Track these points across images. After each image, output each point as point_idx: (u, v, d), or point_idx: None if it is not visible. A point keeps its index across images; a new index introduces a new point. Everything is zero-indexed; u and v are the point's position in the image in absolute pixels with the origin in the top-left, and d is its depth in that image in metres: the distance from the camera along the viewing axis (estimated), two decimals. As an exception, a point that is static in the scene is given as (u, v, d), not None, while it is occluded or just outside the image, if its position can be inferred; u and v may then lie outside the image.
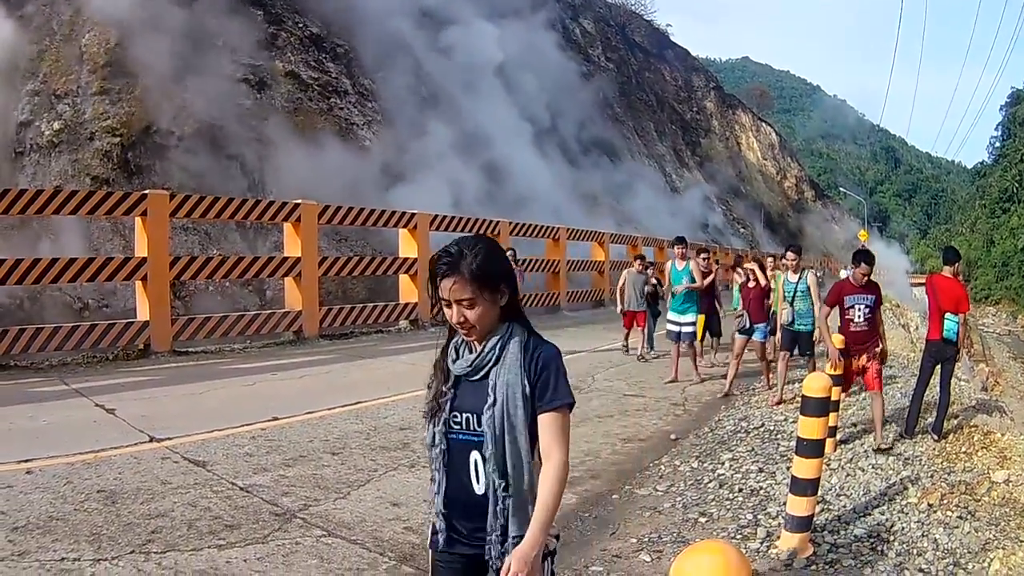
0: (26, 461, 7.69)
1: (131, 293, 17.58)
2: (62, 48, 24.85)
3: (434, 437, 3.15)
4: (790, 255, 13.02)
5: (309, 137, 29.36)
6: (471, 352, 3.19)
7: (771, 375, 13.71)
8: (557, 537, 3.17)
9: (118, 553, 5.69)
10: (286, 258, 18.84)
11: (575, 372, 14.80)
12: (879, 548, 6.32)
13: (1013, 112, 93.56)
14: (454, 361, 3.22)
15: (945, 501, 7.34)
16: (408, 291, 22.32)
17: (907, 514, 7.01)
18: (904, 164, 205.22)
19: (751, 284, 13.84)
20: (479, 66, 42.58)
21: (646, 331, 17.14)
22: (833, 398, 7.85)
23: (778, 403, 12.15)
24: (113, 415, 9.97)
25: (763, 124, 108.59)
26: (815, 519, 6.54)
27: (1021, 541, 6.33)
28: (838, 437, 9.76)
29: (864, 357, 9.94)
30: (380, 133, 33.88)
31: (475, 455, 3.08)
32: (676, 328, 14.44)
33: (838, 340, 9.91)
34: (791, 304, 12.49)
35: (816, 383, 6.41)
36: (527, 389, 3.05)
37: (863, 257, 10.08)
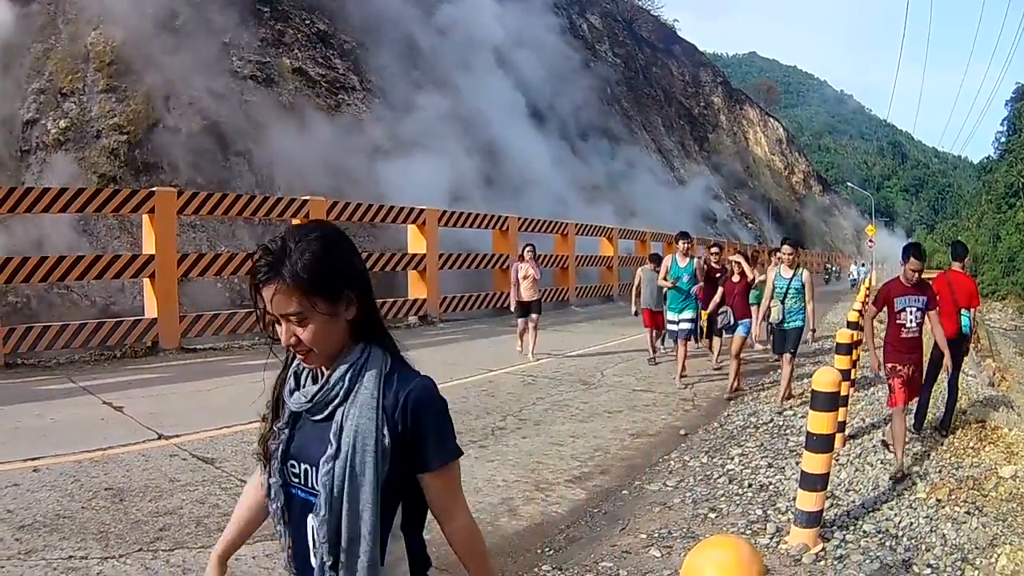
0: (33, 459, 7.71)
1: (139, 291, 17.59)
2: (68, 46, 24.86)
3: (269, 489, 2.41)
4: (787, 248, 12.03)
5: (315, 132, 29.38)
6: (315, 382, 2.37)
7: (740, 378, 13.26)
8: None
9: (126, 551, 5.68)
10: (295, 254, 18.76)
11: (585, 367, 14.91)
12: (888, 543, 6.30)
13: (1019, 107, 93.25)
14: (292, 392, 2.40)
15: (953, 496, 7.31)
16: (417, 286, 22.44)
17: (915, 509, 6.99)
18: (911, 159, 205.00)
19: (735, 278, 13.51)
20: (478, 43, 43.32)
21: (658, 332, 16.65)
22: (842, 393, 7.80)
23: (788, 398, 11.83)
24: (121, 413, 10.00)
25: (770, 119, 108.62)
26: (824, 514, 6.51)
27: (1030, 537, 6.31)
28: (847, 432, 9.70)
29: (912, 368, 8.64)
30: (383, 122, 33.87)
31: (311, 520, 2.30)
32: (674, 328, 13.90)
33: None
34: (782, 302, 11.68)
35: (825, 377, 6.36)
36: (385, 441, 2.26)
37: (913, 251, 8.74)
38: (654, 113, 69.56)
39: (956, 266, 10.73)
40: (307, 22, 34.02)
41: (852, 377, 11.18)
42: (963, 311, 10.14)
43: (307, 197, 19.32)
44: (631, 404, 11.98)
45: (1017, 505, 7.01)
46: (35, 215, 16.79)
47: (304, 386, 2.38)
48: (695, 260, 14.10)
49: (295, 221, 18.87)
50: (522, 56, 46.14)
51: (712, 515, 6.97)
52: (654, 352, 16.28)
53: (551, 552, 6.19)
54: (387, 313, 20.85)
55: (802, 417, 9.60)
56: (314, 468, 2.27)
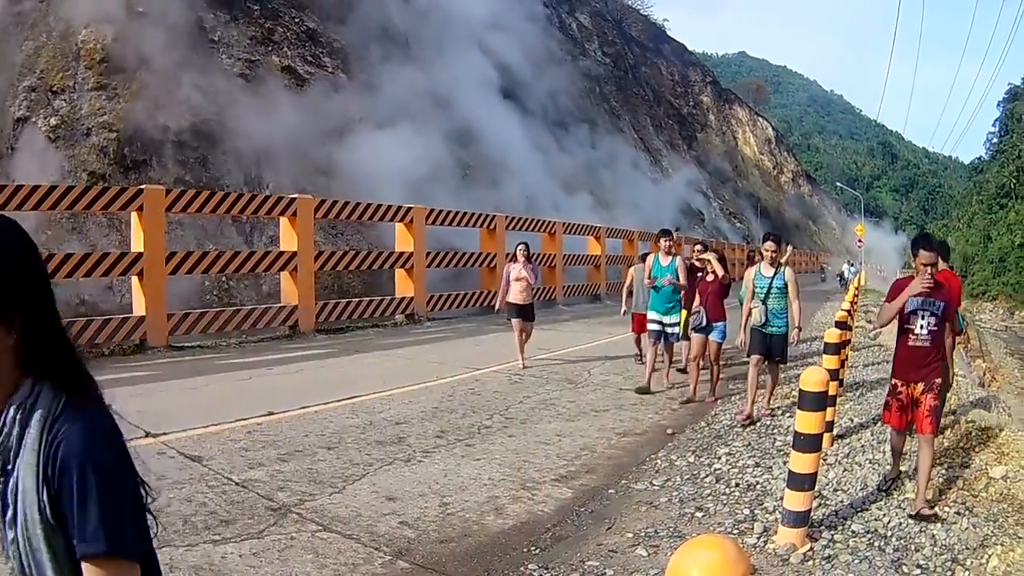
0: (22, 457, 7.65)
1: (127, 288, 17.56)
2: (59, 44, 24.82)
3: None
4: (769, 244, 11.01)
5: (303, 129, 29.39)
6: None
7: (698, 383, 12.57)
8: None
9: (114, 549, 5.64)
10: (282, 252, 18.95)
11: (572, 366, 14.91)
12: (876, 544, 6.29)
13: (1011, 108, 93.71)
14: None
15: (943, 497, 7.33)
16: (404, 285, 22.49)
17: (904, 509, 6.98)
18: (901, 159, 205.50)
19: (709, 278, 12.63)
20: (462, 32, 44.08)
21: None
22: (831, 393, 7.80)
23: (747, 418, 10.59)
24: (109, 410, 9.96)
25: (759, 119, 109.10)
26: (812, 514, 6.51)
27: (1020, 538, 6.31)
28: (835, 432, 9.67)
29: (921, 386, 7.23)
30: (365, 111, 33.88)
31: None
32: (658, 328, 13.14)
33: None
34: (764, 302, 10.73)
35: (813, 377, 6.35)
36: (47, 510, 1.67)
37: (923, 243, 7.30)
38: (643, 112, 69.70)
39: (943, 266, 10.75)
40: (296, 20, 34.03)
41: (840, 377, 11.19)
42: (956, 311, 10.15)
43: (295, 195, 19.32)
44: (618, 403, 11.99)
45: (1008, 506, 7.02)
46: (24, 213, 16.77)
47: None
48: (678, 259, 13.43)
49: (283, 219, 18.93)
50: (501, 40, 46.62)
51: (699, 514, 6.97)
52: (642, 354, 15.25)
53: (537, 551, 6.18)
54: (374, 312, 21.02)
55: (790, 417, 9.59)
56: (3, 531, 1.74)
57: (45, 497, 1.65)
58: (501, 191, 37.25)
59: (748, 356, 11.12)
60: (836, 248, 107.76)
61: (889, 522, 6.74)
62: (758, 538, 6.38)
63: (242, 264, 18.09)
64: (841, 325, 11.74)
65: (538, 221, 29.48)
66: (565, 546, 6.28)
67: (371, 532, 6.32)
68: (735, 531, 6.56)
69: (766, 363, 11.11)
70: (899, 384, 7.38)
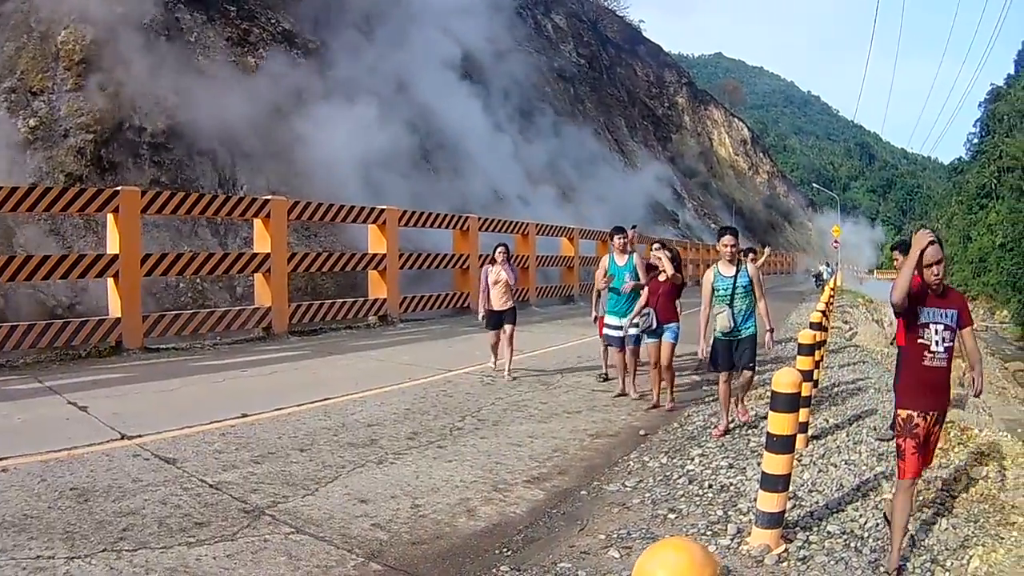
0: (2, 459, 7.76)
1: (103, 290, 17.51)
2: (39, 45, 24.70)
3: None
4: (727, 239, 9.84)
5: (278, 132, 29.37)
6: None
7: (660, 388, 11.88)
8: None
9: (91, 551, 5.71)
10: (256, 254, 18.95)
11: (544, 367, 14.89)
12: (853, 544, 6.29)
13: (993, 108, 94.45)
14: None
15: (922, 497, 7.36)
16: (377, 286, 22.56)
17: (881, 510, 6.99)
18: (879, 160, 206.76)
19: (661, 277, 11.87)
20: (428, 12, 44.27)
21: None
22: (804, 393, 7.82)
23: (724, 434, 9.97)
24: (86, 412, 10.05)
25: (735, 120, 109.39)
26: (787, 515, 6.53)
27: (1002, 538, 6.34)
28: (810, 433, 9.71)
29: (935, 416, 5.95)
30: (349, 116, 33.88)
31: None
32: (617, 333, 12.62)
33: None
34: (730, 305, 9.83)
35: (786, 378, 6.34)
36: None
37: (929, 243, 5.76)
38: (617, 113, 69.80)
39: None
40: (272, 21, 33.99)
41: (816, 379, 11.23)
42: None
43: (268, 197, 19.34)
44: (590, 404, 11.99)
45: (989, 506, 7.07)
46: (1, 214, 16.76)
47: None
48: (635, 256, 12.71)
49: (257, 221, 18.95)
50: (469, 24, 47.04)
51: (672, 516, 6.98)
52: (606, 377, 14.04)
53: (509, 553, 6.19)
54: (347, 313, 21.10)
55: (763, 418, 9.60)
56: None
57: None
58: (467, 181, 37.45)
59: (714, 371, 10.39)
60: (812, 249, 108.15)
61: (866, 523, 6.75)
62: (732, 539, 6.39)
63: (216, 266, 18.04)
64: (816, 326, 11.74)
65: (511, 222, 29.59)
66: (537, 548, 6.29)
67: (343, 534, 6.32)
68: (708, 532, 6.58)
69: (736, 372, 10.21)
70: (915, 416, 5.88)
